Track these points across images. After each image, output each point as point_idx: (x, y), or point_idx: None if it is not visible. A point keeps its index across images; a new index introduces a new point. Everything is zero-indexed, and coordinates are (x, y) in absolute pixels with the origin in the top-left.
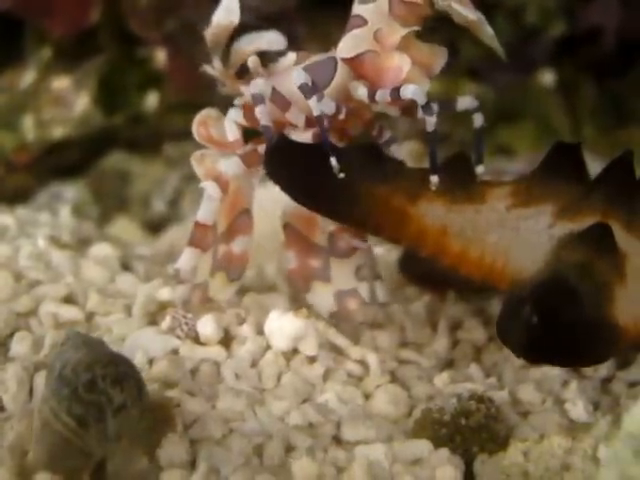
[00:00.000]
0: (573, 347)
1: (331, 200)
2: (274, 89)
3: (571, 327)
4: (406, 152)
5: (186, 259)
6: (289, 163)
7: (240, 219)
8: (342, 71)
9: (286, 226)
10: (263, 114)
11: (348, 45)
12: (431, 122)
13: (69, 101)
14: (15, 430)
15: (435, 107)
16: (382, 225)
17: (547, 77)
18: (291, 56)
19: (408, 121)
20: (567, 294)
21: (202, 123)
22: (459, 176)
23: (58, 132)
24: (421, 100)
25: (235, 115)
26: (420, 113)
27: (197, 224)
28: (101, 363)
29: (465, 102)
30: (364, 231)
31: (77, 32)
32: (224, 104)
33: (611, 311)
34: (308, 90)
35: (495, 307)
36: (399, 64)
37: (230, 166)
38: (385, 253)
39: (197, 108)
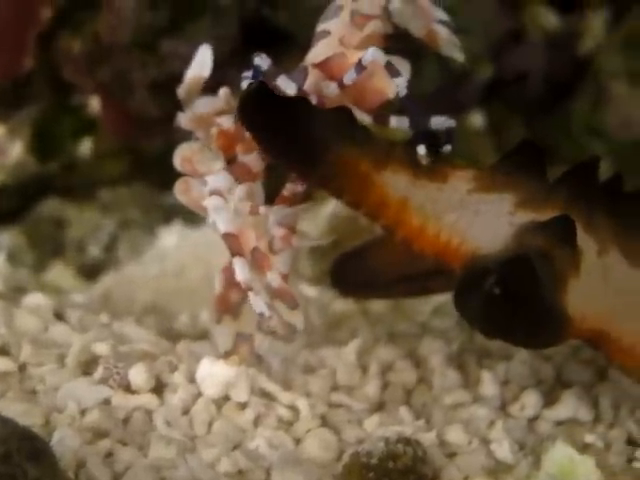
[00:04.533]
0: (527, 325)
1: (300, 155)
2: None
3: (529, 305)
4: None
5: (239, 270)
6: (264, 111)
7: (256, 257)
8: (313, 75)
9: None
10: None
11: (316, 52)
12: (402, 84)
13: (3, 149)
14: None
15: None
16: (345, 187)
17: (476, 119)
18: None
19: None
20: (529, 273)
21: (187, 159)
22: (426, 152)
23: None
24: (382, 59)
25: None
26: (393, 122)
27: (226, 236)
28: (16, 437)
29: (438, 121)
30: (327, 191)
31: (10, 80)
32: (158, 149)
33: (563, 300)
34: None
35: (426, 348)
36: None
37: (218, 180)
38: (318, 295)
39: (131, 154)
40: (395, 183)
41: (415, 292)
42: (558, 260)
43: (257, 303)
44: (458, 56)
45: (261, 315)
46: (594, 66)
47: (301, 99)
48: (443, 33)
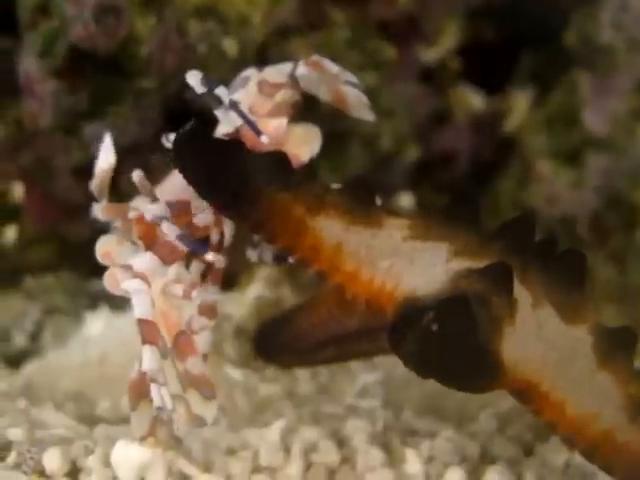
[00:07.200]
0: (461, 365)
1: (234, 199)
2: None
3: (465, 344)
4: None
5: (149, 359)
6: (198, 152)
7: (180, 341)
8: None
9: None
10: (170, 230)
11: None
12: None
13: None
14: None
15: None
16: (279, 232)
17: (405, 199)
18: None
19: None
20: (467, 313)
21: (106, 254)
22: (361, 199)
23: None
24: (199, 89)
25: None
26: None
27: (140, 322)
28: None
29: None
30: (260, 235)
31: None
32: (83, 235)
33: (498, 345)
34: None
35: (350, 428)
36: (277, 125)
37: (143, 263)
38: (244, 378)
39: (56, 240)
40: (329, 228)
41: (340, 357)
42: (495, 305)
43: (157, 396)
44: (368, 116)
45: (159, 409)
46: (519, 145)
47: (236, 141)
48: (351, 94)
